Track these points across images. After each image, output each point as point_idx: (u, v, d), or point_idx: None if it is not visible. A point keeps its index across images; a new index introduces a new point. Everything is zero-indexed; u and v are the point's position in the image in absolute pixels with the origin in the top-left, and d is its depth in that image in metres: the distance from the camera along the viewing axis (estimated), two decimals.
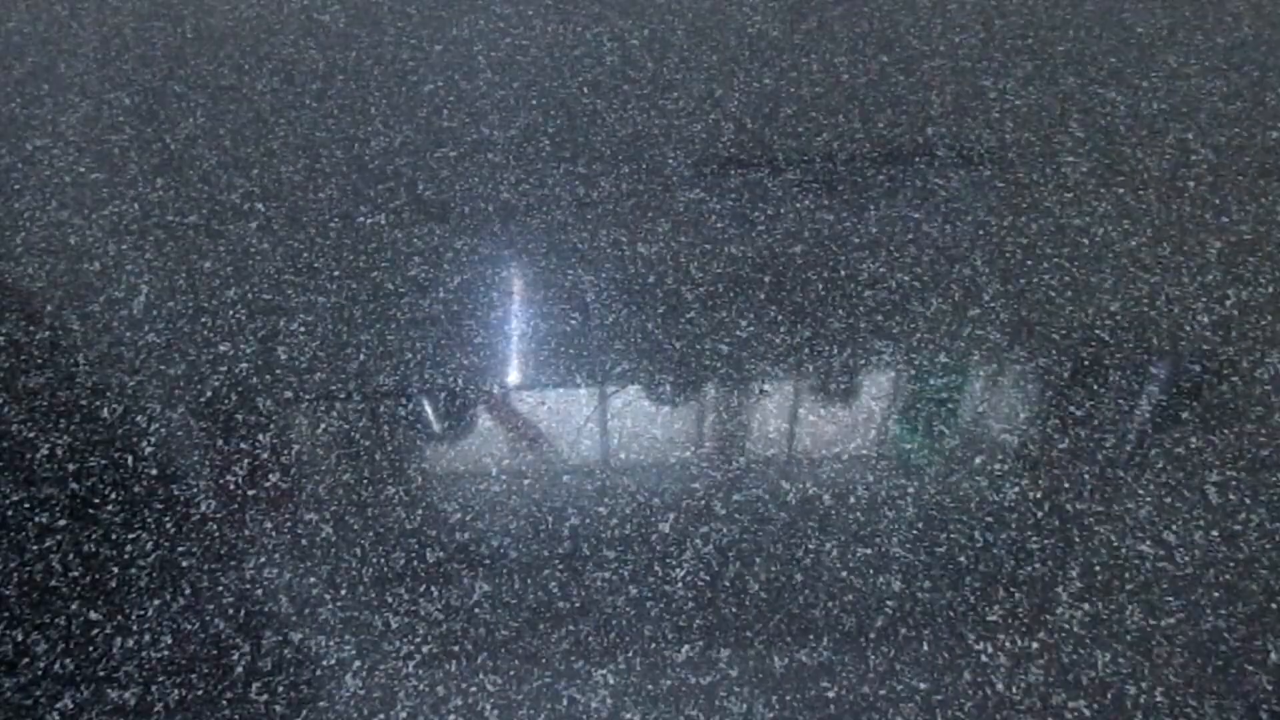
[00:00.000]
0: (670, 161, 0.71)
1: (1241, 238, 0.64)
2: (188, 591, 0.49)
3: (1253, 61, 0.80)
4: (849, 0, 0.88)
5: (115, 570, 0.49)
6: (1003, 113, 0.75)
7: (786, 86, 0.78)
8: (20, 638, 0.47)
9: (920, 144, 0.73)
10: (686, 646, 0.47)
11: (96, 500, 0.52)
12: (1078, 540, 0.51)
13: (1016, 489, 0.53)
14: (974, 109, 0.76)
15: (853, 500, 0.52)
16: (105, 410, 0.56)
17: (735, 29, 0.85)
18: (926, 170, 0.70)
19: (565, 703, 0.45)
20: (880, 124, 0.74)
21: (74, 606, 0.48)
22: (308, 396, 0.57)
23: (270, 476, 0.53)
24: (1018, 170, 0.70)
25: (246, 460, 0.54)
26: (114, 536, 0.50)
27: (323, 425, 0.55)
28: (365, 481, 0.53)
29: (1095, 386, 0.58)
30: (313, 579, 0.49)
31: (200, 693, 0.45)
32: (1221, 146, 0.72)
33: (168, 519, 0.51)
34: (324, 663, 0.46)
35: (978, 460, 0.55)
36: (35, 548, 0.50)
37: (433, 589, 0.49)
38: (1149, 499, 0.53)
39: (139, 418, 0.56)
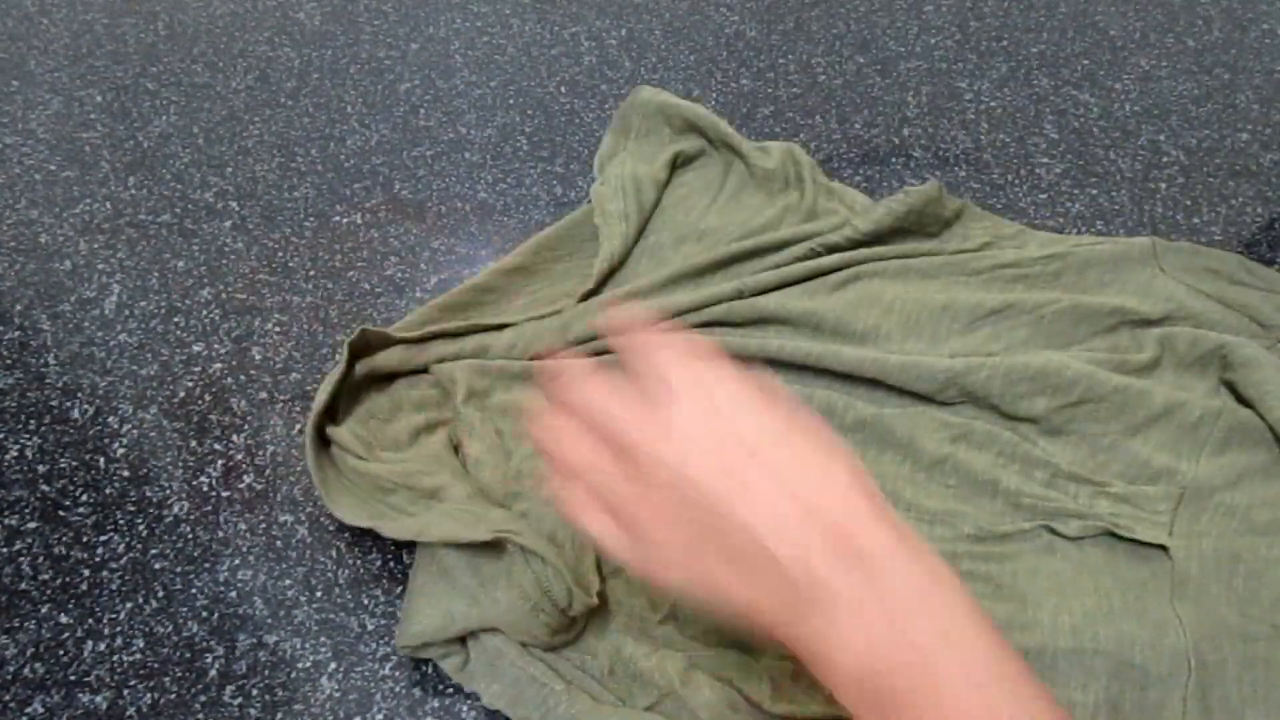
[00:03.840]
0: None
1: (1212, 238, 0.65)
2: (160, 594, 0.48)
3: (1223, 64, 0.81)
4: (826, 1, 0.89)
5: (86, 573, 0.49)
6: (978, 114, 0.76)
7: (764, 87, 0.78)
8: None
9: (897, 144, 0.73)
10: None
11: (67, 502, 0.51)
12: None
13: None
14: (949, 110, 0.76)
15: None
16: (76, 411, 0.56)
17: (713, 29, 0.85)
18: (903, 170, 0.71)
19: None
20: (857, 124, 0.75)
21: (44, 610, 0.47)
22: (282, 397, 0.56)
23: (245, 478, 0.53)
24: (993, 171, 0.71)
25: (220, 461, 0.53)
26: (85, 539, 0.50)
27: (298, 426, 0.55)
28: None
29: None
30: (288, 581, 0.49)
31: (173, 696, 0.45)
32: (1192, 148, 0.73)
33: (140, 521, 0.51)
34: (299, 665, 0.46)
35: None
36: (4, 550, 0.49)
37: None
38: None
39: (111, 419, 0.55)
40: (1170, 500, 0.48)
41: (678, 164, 0.67)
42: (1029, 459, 0.50)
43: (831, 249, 0.59)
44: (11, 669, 0.45)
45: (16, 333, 0.59)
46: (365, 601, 0.48)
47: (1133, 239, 0.60)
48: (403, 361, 0.54)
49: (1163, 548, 0.46)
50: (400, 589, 0.49)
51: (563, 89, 0.78)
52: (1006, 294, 0.56)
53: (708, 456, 0.33)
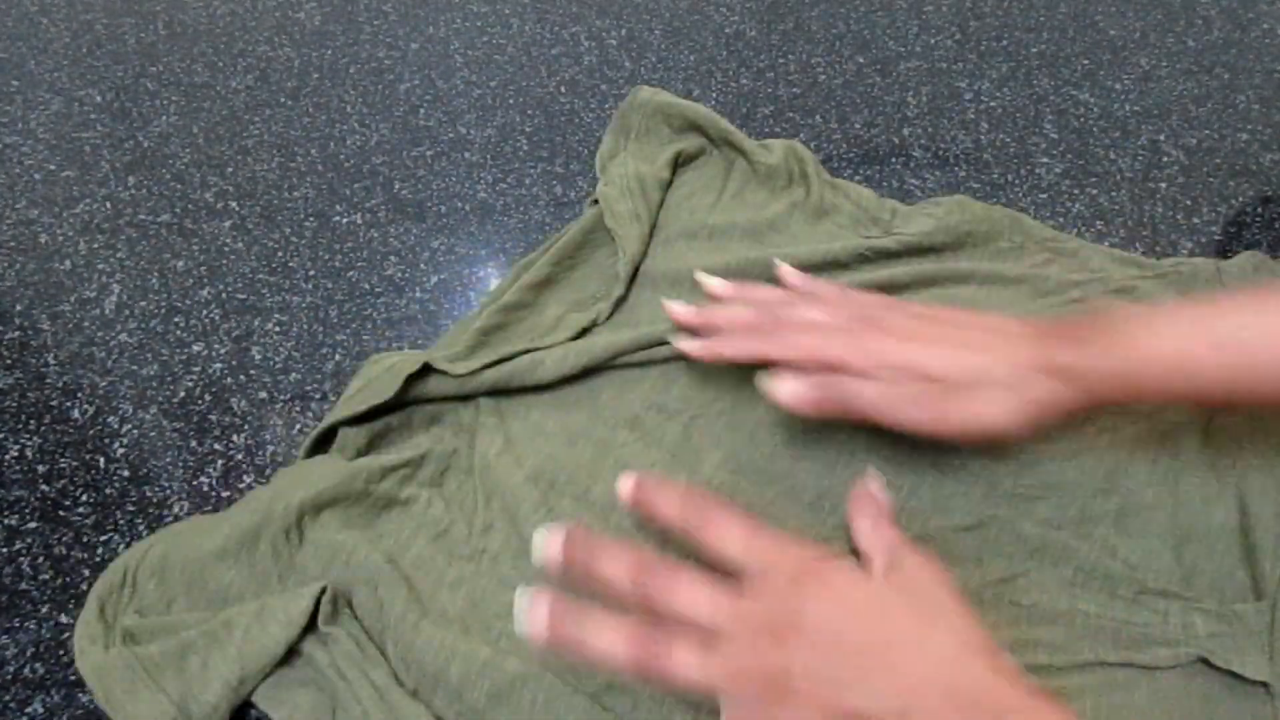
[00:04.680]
0: None
1: (1212, 238, 0.65)
2: None
3: (1223, 64, 0.81)
4: (826, 1, 0.89)
5: (87, 573, 0.49)
6: (978, 114, 0.76)
7: (764, 87, 0.78)
8: None
9: (897, 144, 0.73)
10: None
11: (67, 502, 0.51)
12: None
13: None
14: (949, 110, 0.76)
15: None
16: (76, 411, 0.56)
17: (713, 29, 0.85)
18: (903, 171, 0.71)
19: None
20: (857, 124, 0.75)
21: (44, 610, 0.47)
22: (282, 397, 0.56)
23: (245, 478, 0.53)
24: (993, 171, 0.71)
25: (220, 461, 0.53)
26: (85, 539, 0.50)
27: (298, 426, 0.55)
28: None
29: None
30: None
31: None
32: (1193, 148, 0.73)
33: (140, 521, 0.51)
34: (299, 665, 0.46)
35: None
36: (4, 550, 0.49)
37: None
38: None
39: (111, 419, 0.55)
40: (1262, 619, 0.41)
41: (679, 163, 0.67)
42: (1110, 575, 0.44)
43: (880, 253, 0.59)
44: (11, 669, 0.45)
45: (16, 333, 0.59)
46: None
47: (1196, 261, 0.59)
48: (458, 388, 0.53)
49: (1264, 684, 0.40)
50: None
51: (563, 89, 0.78)
52: None
53: (847, 642, 0.35)
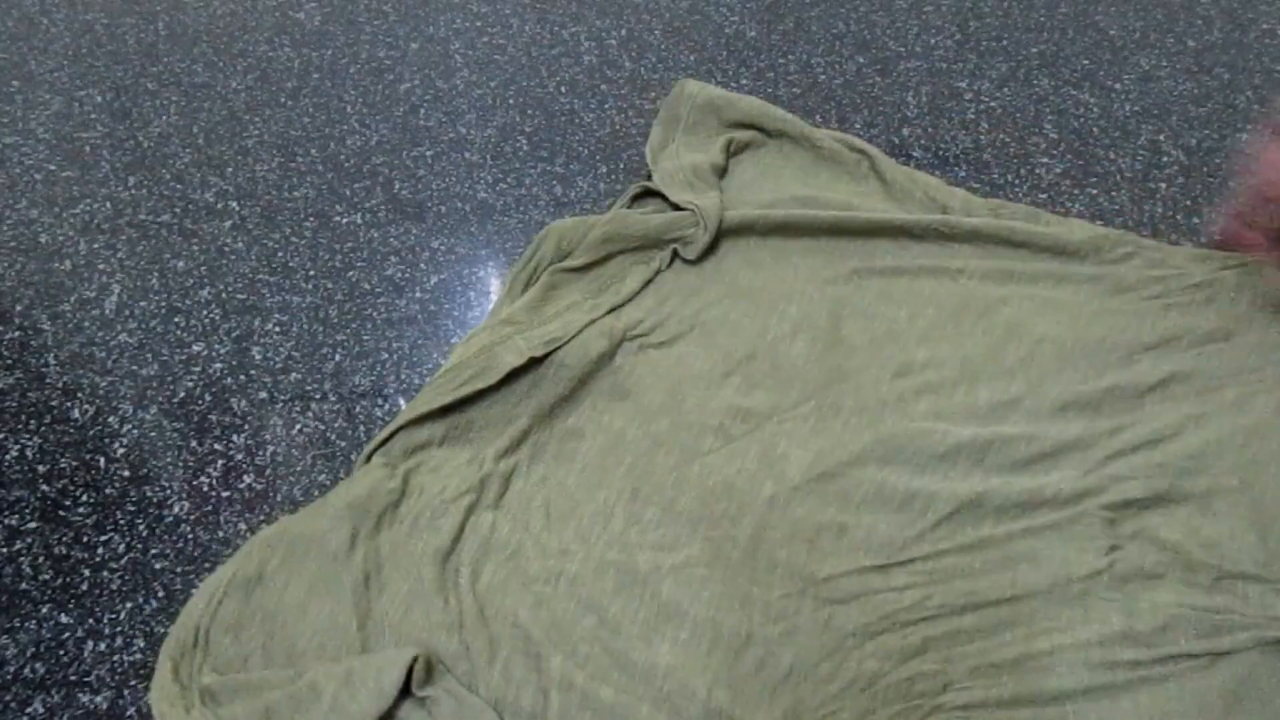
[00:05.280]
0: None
1: (1212, 238, 0.65)
2: (160, 594, 0.48)
3: (1223, 64, 0.81)
4: (826, 1, 0.89)
5: (87, 573, 0.49)
6: (978, 114, 0.76)
7: (764, 87, 0.78)
8: None
9: (897, 144, 0.73)
10: None
11: (68, 502, 0.51)
12: None
13: None
14: (949, 110, 0.76)
15: None
16: (76, 411, 0.56)
17: (713, 29, 0.85)
18: None
19: None
20: (857, 124, 0.75)
21: (44, 610, 0.47)
22: (282, 397, 0.56)
23: (245, 478, 0.53)
24: (993, 171, 0.71)
25: (220, 461, 0.53)
26: (85, 539, 0.50)
27: (298, 426, 0.55)
28: (341, 482, 0.53)
29: None
30: None
31: None
32: (1192, 148, 0.73)
33: (140, 521, 0.51)
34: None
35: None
36: (5, 550, 0.49)
37: None
38: None
39: (111, 419, 0.55)
40: None
41: (731, 152, 0.68)
42: (1191, 563, 0.44)
43: (953, 229, 0.61)
44: (11, 669, 0.45)
45: (16, 333, 0.59)
46: None
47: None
48: (521, 398, 0.54)
49: None
50: None
51: (563, 89, 0.78)
52: (1160, 323, 0.55)
53: None
